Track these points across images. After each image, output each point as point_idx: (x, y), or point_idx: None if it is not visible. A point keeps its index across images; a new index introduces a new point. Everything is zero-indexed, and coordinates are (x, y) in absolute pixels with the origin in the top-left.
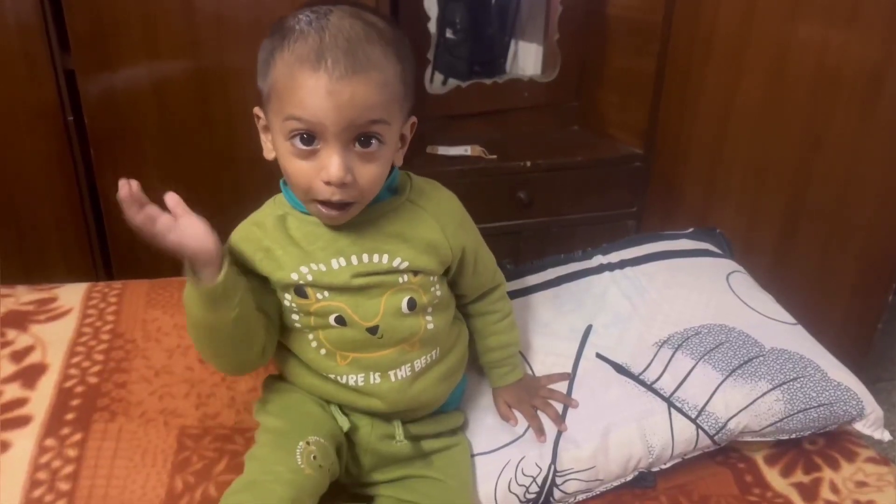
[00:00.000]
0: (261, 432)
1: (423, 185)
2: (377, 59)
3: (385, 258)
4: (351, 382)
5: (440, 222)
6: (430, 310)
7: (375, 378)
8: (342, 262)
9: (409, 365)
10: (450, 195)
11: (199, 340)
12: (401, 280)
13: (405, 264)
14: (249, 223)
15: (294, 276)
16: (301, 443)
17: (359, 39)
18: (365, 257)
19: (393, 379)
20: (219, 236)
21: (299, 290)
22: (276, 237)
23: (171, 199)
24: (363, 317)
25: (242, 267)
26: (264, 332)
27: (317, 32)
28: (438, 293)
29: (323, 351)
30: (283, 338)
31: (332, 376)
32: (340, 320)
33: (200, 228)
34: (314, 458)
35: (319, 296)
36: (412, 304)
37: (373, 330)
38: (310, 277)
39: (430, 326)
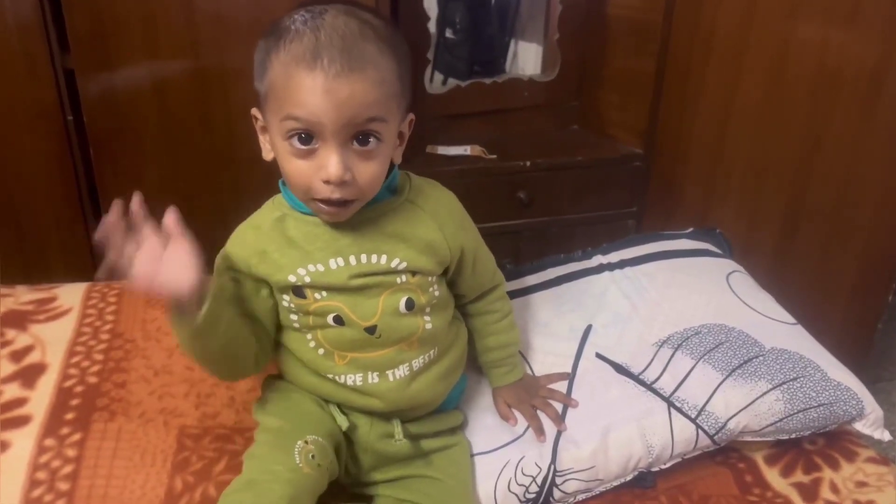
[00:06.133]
0: (259, 431)
1: (423, 185)
2: (373, 56)
3: (384, 258)
4: (349, 382)
5: (439, 223)
6: (428, 310)
7: (374, 378)
8: (340, 262)
9: (408, 364)
10: (449, 195)
11: (190, 356)
12: (399, 280)
13: (403, 265)
14: (246, 226)
15: (292, 279)
16: (300, 442)
17: (354, 37)
18: (363, 257)
19: (391, 378)
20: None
21: (297, 291)
22: (273, 239)
23: (171, 217)
24: (361, 316)
25: (237, 273)
26: (256, 345)
27: (312, 31)
28: (437, 293)
29: (321, 351)
30: (282, 337)
31: (331, 376)
32: (339, 320)
33: (184, 265)
34: (312, 456)
35: (318, 296)
36: (410, 305)
37: (371, 329)
38: (308, 279)
39: (429, 326)
